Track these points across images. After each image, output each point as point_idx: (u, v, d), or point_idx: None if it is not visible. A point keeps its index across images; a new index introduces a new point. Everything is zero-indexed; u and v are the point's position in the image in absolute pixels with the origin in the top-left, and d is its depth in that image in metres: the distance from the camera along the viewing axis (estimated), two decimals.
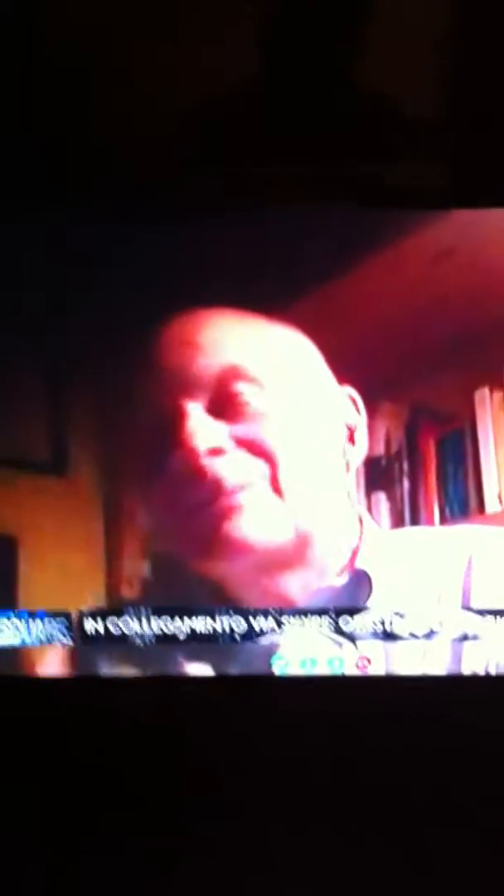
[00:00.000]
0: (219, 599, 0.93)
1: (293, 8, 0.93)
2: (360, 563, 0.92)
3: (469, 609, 0.91)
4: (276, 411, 0.91)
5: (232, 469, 0.89)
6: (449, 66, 0.93)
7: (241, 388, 0.90)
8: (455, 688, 0.92)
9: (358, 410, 0.92)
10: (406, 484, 0.93)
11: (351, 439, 0.92)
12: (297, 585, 0.92)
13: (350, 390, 0.91)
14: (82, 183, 0.93)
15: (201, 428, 0.90)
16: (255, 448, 0.90)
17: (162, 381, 0.91)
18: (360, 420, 0.92)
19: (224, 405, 0.90)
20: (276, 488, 0.89)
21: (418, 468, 0.93)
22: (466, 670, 0.92)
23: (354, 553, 0.92)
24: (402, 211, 0.92)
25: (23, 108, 0.95)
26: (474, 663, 0.92)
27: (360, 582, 0.92)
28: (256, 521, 0.89)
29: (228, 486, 0.89)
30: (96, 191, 0.93)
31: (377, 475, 0.93)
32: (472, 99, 0.94)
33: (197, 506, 0.90)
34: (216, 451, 0.89)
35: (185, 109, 0.94)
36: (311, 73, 0.94)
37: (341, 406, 0.92)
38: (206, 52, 0.93)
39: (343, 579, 0.92)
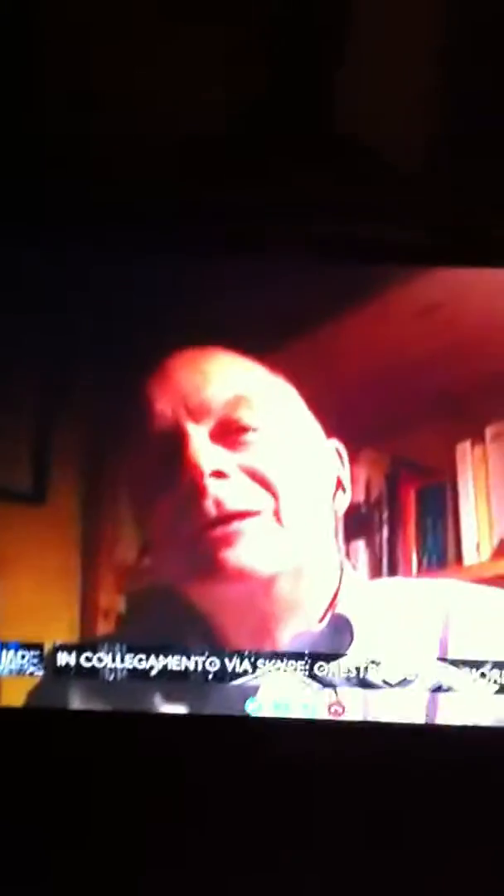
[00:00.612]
0: (201, 637, 0.93)
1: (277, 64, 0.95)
2: (339, 609, 0.92)
3: (445, 660, 0.91)
4: (275, 447, 0.91)
5: (234, 494, 0.89)
6: (436, 124, 0.96)
7: (246, 416, 0.91)
8: (427, 737, 0.92)
9: (342, 463, 0.93)
10: (385, 532, 0.94)
11: (340, 487, 0.93)
12: (283, 623, 0.92)
13: (336, 443, 0.93)
14: (84, 217, 0.93)
15: (205, 451, 0.90)
16: (258, 478, 0.90)
17: (169, 405, 0.91)
18: (346, 472, 0.93)
19: (229, 433, 0.91)
20: (279, 519, 0.90)
21: (398, 518, 0.94)
22: (441, 720, 0.92)
23: (334, 598, 0.92)
24: (389, 266, 0.93)
25: (25, 141, 0.96)
26: (449, 714, 0.92)
27: (342, 628, 0.92)
28: (256, 549, 0.89)
29: (230, 509, 0.89)
30: (96, 225, 0.94)
31: (357, 522, 0.94)
32: (459, 158, 0.96)
33: (198, 528, 0.89)
34: (220, 474, 0.89)
35: (177, 154, 0.96)
36: (300, 130, 0.96)
37: (329, 458, 0.93)
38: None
39: (324, 625, 0.92)
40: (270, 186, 0.95)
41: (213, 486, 0.89)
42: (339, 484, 0.93)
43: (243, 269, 0.95)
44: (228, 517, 0.89)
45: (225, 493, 0.89)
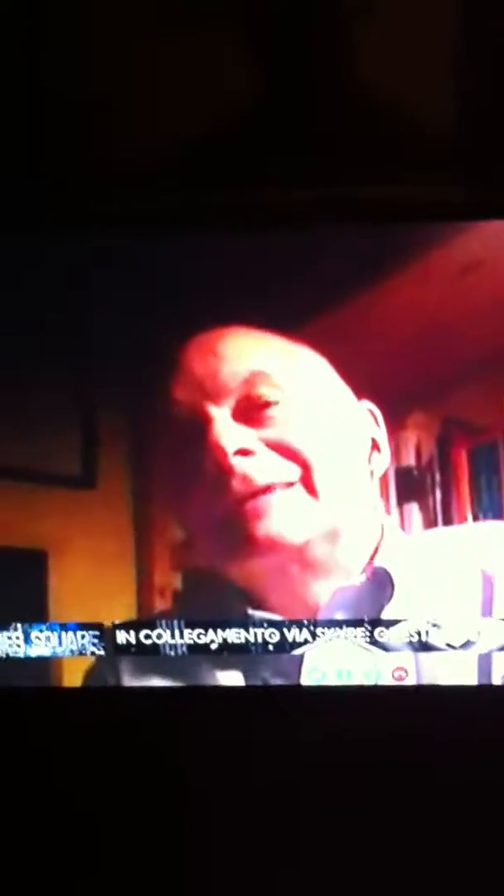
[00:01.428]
0: (247, 601, 0.93)
1: (296, 26, 0.94)
2: (378, 563, 0.92)
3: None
4: (301, 417, 0.91)
5: (262, 468, 0.90)
6: (468, 77, 0.94)
7: (266, 392, 0.91)
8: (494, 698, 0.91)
9: (378, 424, 0.92)
10: (438, 494, 0.93)
11: (376, 447, 0.92)
12: (322, 585, 0.92)
13: (369, 404, 0.92)
14: (99, 207, 0.94)
15: (228, 431, 0.91)
16: (285, 450, 0.90)
17: (188, 391, 0.92)
18: (381, 433, 0.92)
19: (251, 410, 0.91)
20: (309, 488, 0.90)
21: (450, 479, 0.93)
22: (497, 680, 0.90)
23: (374, 554, 0.92)
24: (427, 225, 0.92)
25: (35, 145, 0.97)
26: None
27: (382, 581, 0.91)
28: (287, 518, 0.90)
29: (259, 484, 0.90)
30: (116, 214, 0.94)
31: (409, 486, 0.93)
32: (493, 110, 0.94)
33: (229, 505, 0.90)
34: (245, 452, 0.90)
35: (198, 128, 0.95)
36: (325, 93, 0.95)
37: (362, 419, 0.92)
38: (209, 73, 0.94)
39: (363, 578, 0.91)
40: (294, 154, 0.94)
41: (238, 465, 0.90)
42: (375, 445, 0.92)
43: (273, 239, 0.94)
44: (257, 492, 0.90)
45: (252, 469, 0.90)
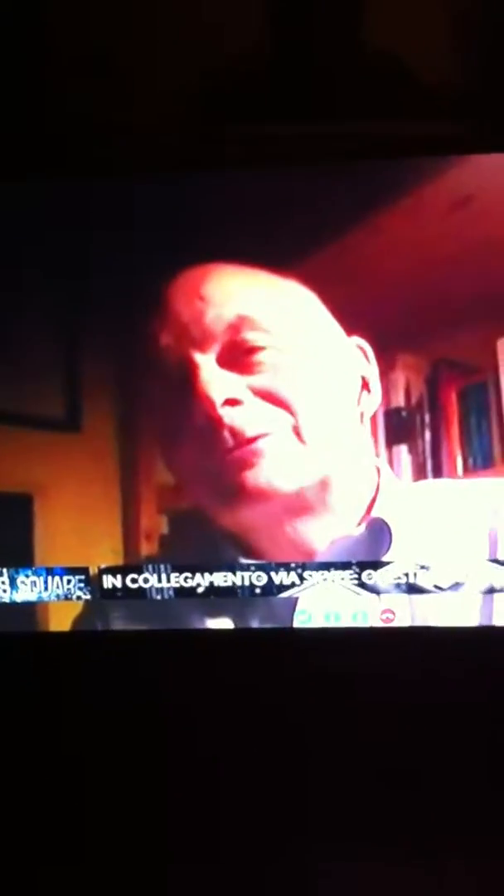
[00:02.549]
0: (241, 551, 0.92)
1: None
2: (377, 513, 0.91)
3: (496, 561, 0.89)
4: (289, 361, 0.90)
5: (250, 418, 0.89)
6: (460, 19, 0.92)
7: (252, 337, 0.90)
8: (483, 639, 0.91)
9: (368, 360, 0.90)
10: (428, 436, 0.92)
11: (366, 387, 0.90)
12: (318, 533, 0.91)
13: (359, 340, 0.90)
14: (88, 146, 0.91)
15: (215, 380, 0.89)
16: (273, 398, 0.89)
17: (173, 337, 0.91)
18: (372, 370, 0.91)
19: (237, 357, 0.90)
20: (298, 436, 0.89)
21: (440, 420, 0.92)
22: (498, 622, 0.90)
23: (372, 503, 0.91)
24: (416, 160, 0.90)
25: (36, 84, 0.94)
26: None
27: (380, 532, 0.91)
28: (278, 467, 0.89)
29: (248, 435, 0.89)
30: (108, 152, 0.92)
31: (398, 427, 0.92)
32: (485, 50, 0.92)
33: (218, 455, 0.89)
34: (233, 402, 0.89)
35: (197, 66, 0.93)
36: (322, 32, 0.93)
37: (352, 357, 0.90)
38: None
39: (362, 529, 0.91)
40: (287, 91, 0.92)
41: (227, 415, 0.89)
42: (365, 384, 0.91)
43: (264, 176, 0.92)
44: (246, 441, 0.89)
45: (240, 419, 0.89)
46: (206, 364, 0.90)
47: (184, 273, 0.91)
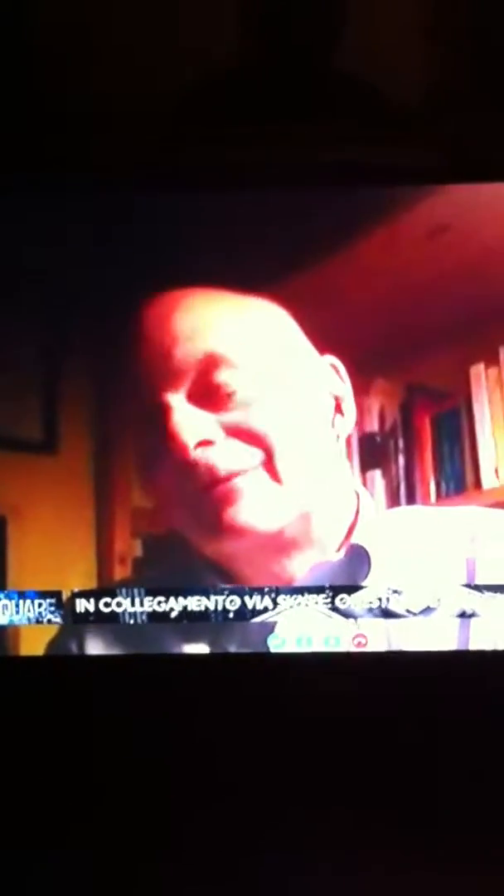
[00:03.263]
0: (220, 577, 0.92)
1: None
2: (357, 539, 0.91)
3: (468, 586, 0.90)
4: (260, 394, 0.90)
5: (225, 457, 0.89)
6: (437, 47, 0.94)
7: (222, 376, 0.89)
8: (454, 663, 0.91)
9: (342, 379, 0.91)
10: (401, 461, 0.92)
11: (339, 409, 0.91)
12: (297, 563, 0.91)
13: (332, 359, 0.90)
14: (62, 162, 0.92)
15: (187, 421, 0.89)
16: (246, 436, 0.89)
17: (144, 369, 0.90)
18: (346, 388, 0.91)
19: (208, 394, 0.89)
20: (273, 472, 0.89)
21: (413, 445, 0.93)
22: (474, 647, 0.91)
23: (351, 528, 0.91)
24: (396, 188, 0.91)
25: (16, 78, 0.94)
26: (482, 641, 0.91)
27: (360, 558, 0.91)
28: (256, 506, 0.89)
29: (223, 474, 0.88)
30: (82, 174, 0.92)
31: (372, 452, 0.93)
32: (462, 78, 0.94)
33: (195, 491, 0.89)
34: (206, 443, 0.89)
35: (173, 90, 0.94)
36: (299, 59, 0.95)
37: (324, 376, 0.90)
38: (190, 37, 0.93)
39: (341, 555, 0.91)
40: (265, 117, 0.93)
41: (201, 456, 0.89)
42: (338, 405, 0.91)
43: (242, 200, 0.92)
44: (222, 479, 0.88)
45: (215, 458, 0.89)
46: (178, 404, 0.89)
47: (158, 297, 0.91)
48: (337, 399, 0.91)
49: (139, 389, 0.90)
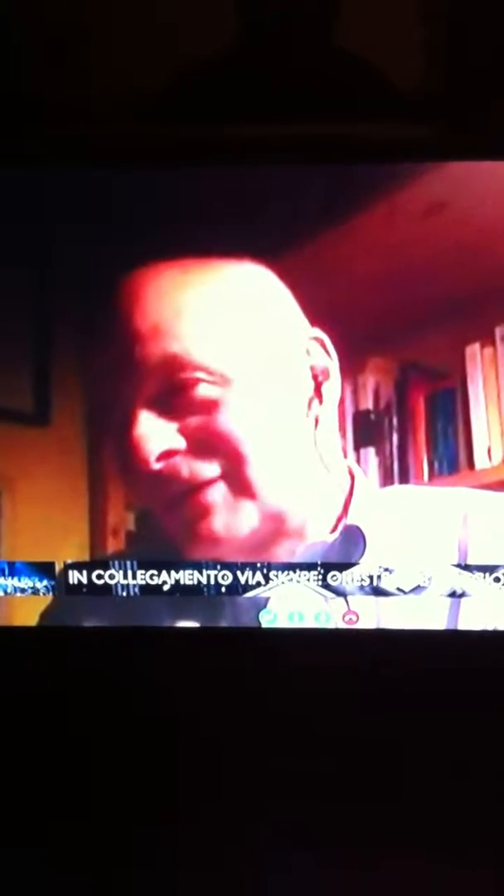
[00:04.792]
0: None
1: None
2: (352, 518, 0.91)
3: (458, 566, 0.90)
4: (228, 392, 0.88)
5: (191, 467, 0.88)
6: (435, 23, 0.93)
7: (186, 378, 0.87)
8: (443, 643, 0.92)
9: (328, 354, 0.89)
10: (395, 439, 0.92)
11: (318, 392, 0.90)
12: (290, 544, 0.92)
13: (318, 332, 0.89)
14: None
15: (149, 431, 0.88)
16: (211, 443, 0.88)
17: (105, 366, 0.90)
18: (332, 364, 0.90)
19: (171, 397, 0.88)
20: (244, 479, 0.88)
21: (408, 424, 0.93)
22: (463, 627, 0.91)
23: (345, 508, 0.91)
24: (393, 165, 0.90)
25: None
26: (471, 621, 0.92)
27: (354, 538, 0.91)
28: (227, 516, 0.89)
29: (188, 487, 0.88)
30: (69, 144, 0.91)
31: (366, 430, 0.92)
32: (460, 55, 0.94)
33: (167, 504, 0.89)
34: (168, 454, 0.88)
35: (169, 67, 0.93)
36: (299, 34, 0.94)
37: (308, 349, 0.89)
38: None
39: (336, 535, 0.91)
40: (261, 91, 0.92)
41: (166, 468, 0.88)
42: (318, 389, 0.90)
43: (240, 175, 0.91)
44: (193, 490, 0.88)
45: (181, 468, 0.88)
46: (142, 413, 0.88)
47: (135, 274, 0.89)
48: (317, 378, 0.90)
49: (104, 392, 0.90)
